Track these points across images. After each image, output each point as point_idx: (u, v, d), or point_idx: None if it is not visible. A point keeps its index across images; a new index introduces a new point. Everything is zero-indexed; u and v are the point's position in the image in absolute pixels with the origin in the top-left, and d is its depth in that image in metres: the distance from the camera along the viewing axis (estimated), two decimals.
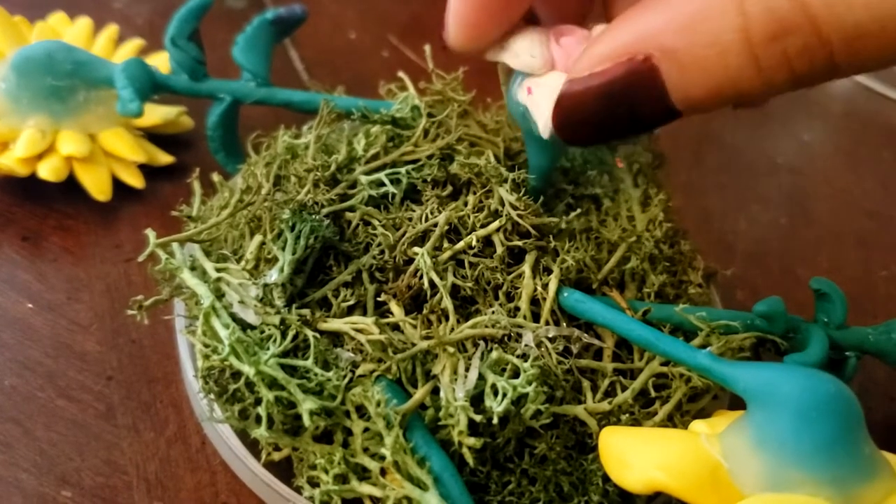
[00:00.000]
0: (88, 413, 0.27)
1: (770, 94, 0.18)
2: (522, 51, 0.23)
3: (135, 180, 0.34)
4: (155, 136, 0.36)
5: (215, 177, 0.29)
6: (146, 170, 0.35)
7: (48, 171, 0.32)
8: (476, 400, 0.23)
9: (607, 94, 0.19)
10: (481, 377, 0.23)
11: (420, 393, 0.23)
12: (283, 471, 0.24)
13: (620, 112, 0.20)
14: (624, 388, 0.25)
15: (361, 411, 0.23)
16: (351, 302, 0.25)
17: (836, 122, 0.46)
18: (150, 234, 0.25)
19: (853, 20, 0.16)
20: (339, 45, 0.45)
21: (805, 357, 0.25)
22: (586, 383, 0.25)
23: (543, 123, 0.23)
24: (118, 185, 0.34)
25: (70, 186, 0.33)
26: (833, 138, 0.45)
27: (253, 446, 0.25)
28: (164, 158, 0.35)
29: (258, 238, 0.26)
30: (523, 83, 0.23)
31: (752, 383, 0.21)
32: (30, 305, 0.30)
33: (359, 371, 0.24)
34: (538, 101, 0.23)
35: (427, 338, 0.24)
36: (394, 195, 0.27)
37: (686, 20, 0.18)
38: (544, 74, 0.23)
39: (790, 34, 0.17)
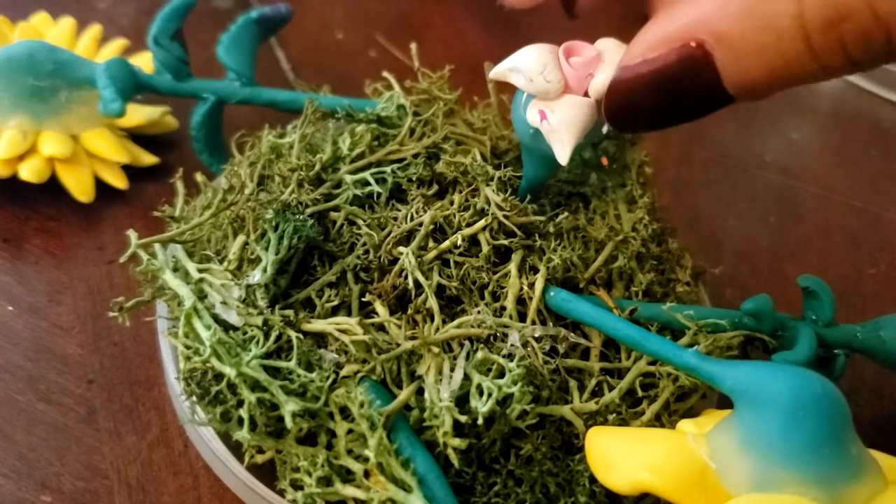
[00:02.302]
0: (69, 417, 0.27)
1: (825, 79, 0.18)
2: (535, 74, 0.22)
3: (118, 181, 0.34)
4: (139, 137, 0.36)
5: (199, 177, 0.28)
6: (130, 170, 0.34)
7: (29, 172, 0.31)
8: (461, 400, 0.22)
9: (660, 80, 0.19)
10: (467, 377, 0.23)
11: (404, 394, 0.23)
12: (267, 473, 0.24)
13: (673, 99, 0.19)
14: (611, 388, 0.24)
15: (345, 413, 0.22)
16: (335, 302, 0.25)
17: (824, 120, 0.46)
18: (132, 234, 0.25)
19: None
20: (326, 44, 0.45)
21: (793, 355, 0.25)
22: (573, 383, 0.24)
23: (563, 151, 0.22)
24: (101, 186, 0.33)
25: (52, 188, 0.32)
26: (821, 136, 0.45)
27: (236, 449, 0.24)
28: (148, 159, 0.35)
29: (241, 238, 0.25)
30: (533, 105, 0.22)
31: (739, 382, 0.21)
32: (10, 308, 0.30)
33: (343, 372, 0.23)
34: (557, 128, 0.22)
35: (412, 338, 0.23)
36: (379, 194, 0.27)
37: (740, 5, 0.17)
38: (557, 99, 0.22)
39: (846, 20, 0.16)
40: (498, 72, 0.23)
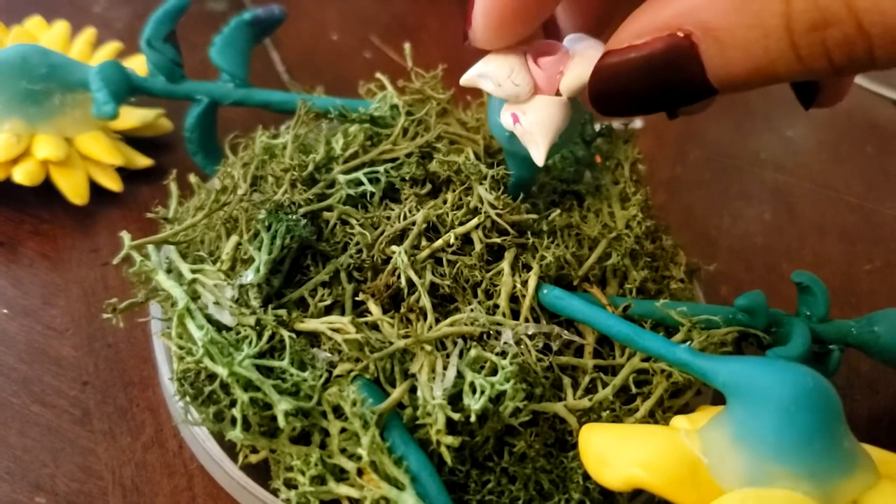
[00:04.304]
0: (63, 419, 0.27)
1: (807, 79, 0.18)
2: (503, 78, 0.22)
3: (112, 183, 0.34)
4: (133, 139, 0.36)
5: (192, 178, 0.28)
6: (125, 173, 0.34)
7: (23, 175, 0.31)
8: (455, 398, 0.22)
9: (645, 66, 0.19)
10: (460, 375, 0.23)
11: (397, 392, 0.23)
12: (261, 473, 0.24)
13: (657, 86, 0.20)
14: (605, 385, 0.24)
15: (338, 411, 0.22)
16: (328, 302, 0.25)
17: (819, 118, 0.46)
18: (125, 236, 0.25)
19: None
20: (320, 46, 0.45)
21: (787, 351, 0.25)
22: (567, 380, 0.24)
23: (538, 152, 0.22)
24: (95, 189, 0.33)
25: (46, 190, 0.32)
26: (816, 133, 0.45)
27: (230, 449, 0.24)
28: (143, 161, 0.35)
29: (234, 239, 0.25)
30: (506, 109, 0.22)
31: (731, 378, 0.20)
32: (5, 311, 0.30)
33: (336, 371, 0.23)
34: (529, 130, 0.22)
35: (405, 336, 0.23)
36: (372, 194, 0.27)
37: (730, 0, 0.18)
38: (529, 101, 0.22)
39: (831, 25, 0.17)
40: (467, 78, 0.22)
